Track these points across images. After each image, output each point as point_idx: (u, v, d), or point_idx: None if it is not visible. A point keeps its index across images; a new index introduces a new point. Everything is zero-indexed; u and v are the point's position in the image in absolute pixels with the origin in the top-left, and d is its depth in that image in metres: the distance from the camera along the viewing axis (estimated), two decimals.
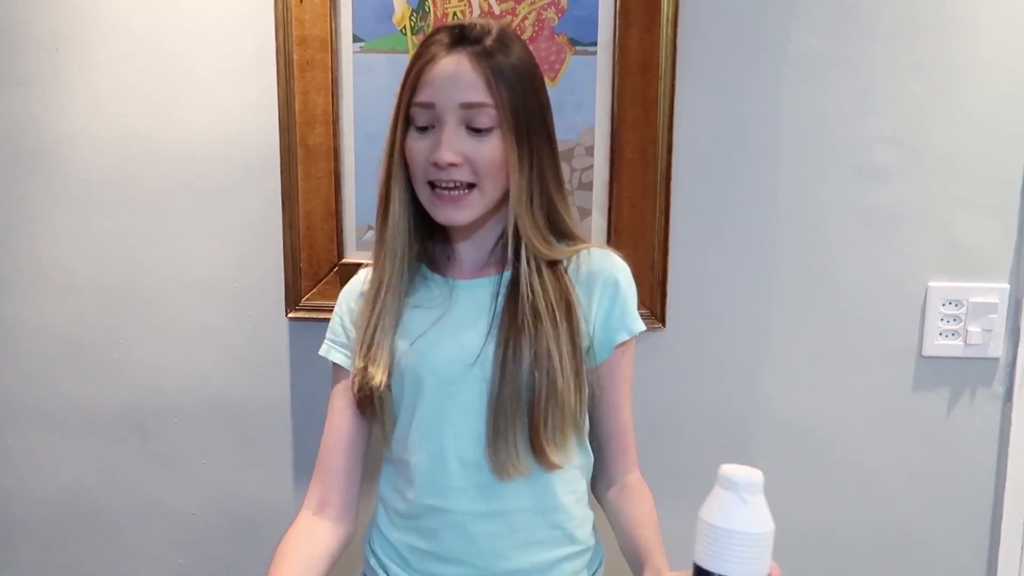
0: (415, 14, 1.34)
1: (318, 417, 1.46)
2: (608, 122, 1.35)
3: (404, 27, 1.34)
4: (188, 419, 1.50)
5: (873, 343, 1.40)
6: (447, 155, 0.92)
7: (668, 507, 1.47)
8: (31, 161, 1.44)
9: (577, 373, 0.96)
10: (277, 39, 1.34)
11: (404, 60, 1.34)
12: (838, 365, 1.41)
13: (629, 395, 1.06)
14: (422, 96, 0.94)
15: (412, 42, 1.34)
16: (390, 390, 0.99)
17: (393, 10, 1.34)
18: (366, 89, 1.36)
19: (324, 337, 1.42)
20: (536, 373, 0.93)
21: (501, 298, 0.97)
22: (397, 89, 0.99)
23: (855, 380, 1.41)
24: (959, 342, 1.39)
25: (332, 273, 1.40)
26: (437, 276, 1.03)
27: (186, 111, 1.40)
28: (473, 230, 1.01)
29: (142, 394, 1.49)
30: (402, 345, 0.99)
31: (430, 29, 1.34)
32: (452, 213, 0.95)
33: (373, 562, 1.06)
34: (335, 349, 1.07)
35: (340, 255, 1.40)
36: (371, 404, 1.00)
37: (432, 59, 0.94)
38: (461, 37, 0.94)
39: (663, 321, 1.37)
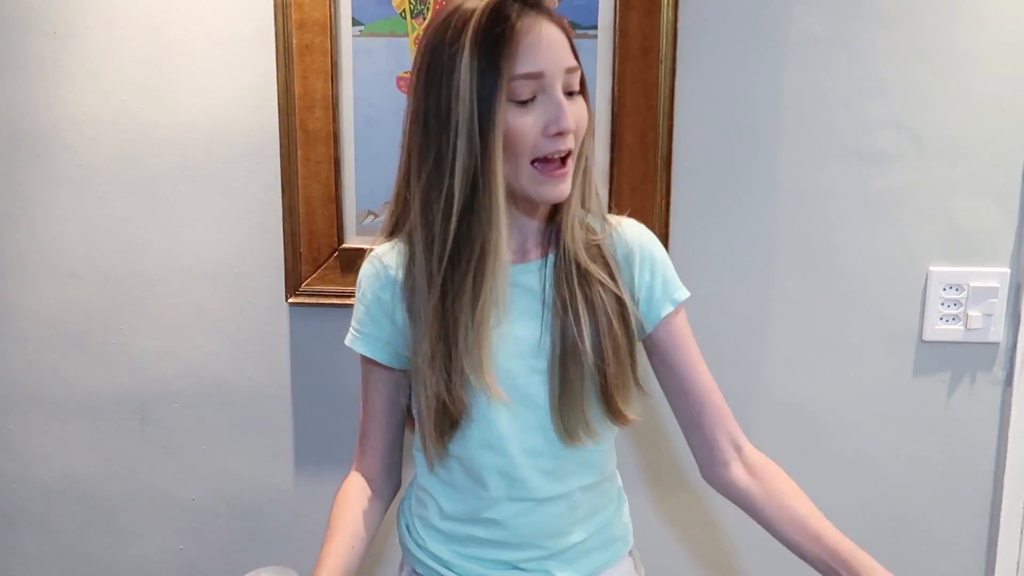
0: None
1: (319, 402, 1.47)
2: (608, 106, 1.35)
3: (404, 10, 1.34)
4: (188, 405, 1.50)
5: (873, 328, 1.40)
6: (571, 121, 0.86)
7: (667, 493, 1.47)
8: (30, 146, 1.44)
9: (631, 342, 0.95)
10: (276, 23, 1.33)
11: (404, 44, 1.34)
12: (838, 350, 1.41)
13: (700, 355, 1.02)
14: (527, 66, 0.85)
15: (411, 25, 1.34)
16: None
17: None
18: (366, 73, 1.36)
19: (324, 322, 1.43)
20: (599, 350, 0.92)
21: (550, 283, 0.95)
22: (464, 59, 0.85)
23: (855, 365, 1.41)
24: (959, 327, 1.39)
25: (332, 258, 1.40)
26: None
27: (185, 95, 1.40)
28: (527, 215, 0.96)
29: (142, 380, 1.50)
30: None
31: (429, 12, 1.33)
32: (564, 187, 0.89)
33: (423, 556, 1.03)
34: (361, 340, 1.01)
35: (340, 240, 1.40)
36: (459, 421, 0.94)
37: (515, 25, 0.85)
38: (535, 2, 0.89)
39: None
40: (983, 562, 1.45)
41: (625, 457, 1.46)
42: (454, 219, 0.87)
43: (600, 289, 0.94)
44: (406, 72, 1.35)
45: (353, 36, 1.35)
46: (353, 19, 1.35)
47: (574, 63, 0.89)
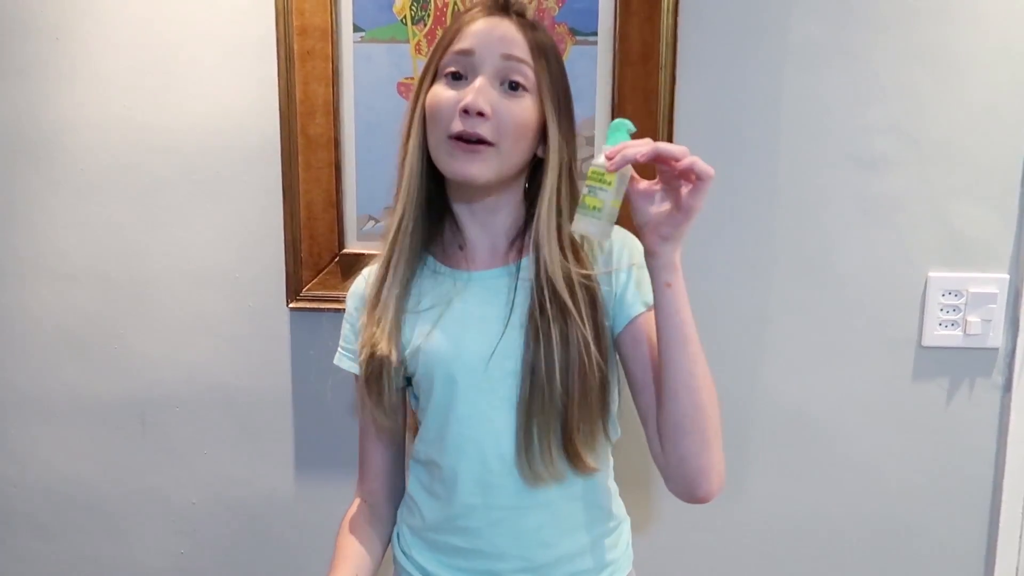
0: (416, 4, 1.34)
1: (319, 407, 1.47)
2: (608, 112, 1.35)
3: (405, 17, 1.34)
4: (189, 409, 1.50)
5: (873, 333, 1.40)
6: (480, 101, 0.87)
7: (666, 497, 1.47)
8: (31, 150, 1.44)
9: (603, 364, 0.93)
10: (278, 28, 1.34)
11: (404, 50, 1.35)
12: (837, 355, 1.41)
13: None
14: (461, 44, 0.91)
15: (412, 32, 1.34)
16: (403, 367, 0.97)
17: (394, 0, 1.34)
18: (367, 79, 1.36)
19: (324, 327, 1.43)
20: (568, 373, 0.90)
21: (520, 288, 0.94)
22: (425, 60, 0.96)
23: (854, 370, 1.41)
24: (958, 332, 1.39)
25: (333, 263, 1.40)
26: (447, 268, 0.99)
27: (187, 101, 1.40)
28: (488, 214, 0.97)
29: (143, 384, 1.50)
30: (416, 338, 0.95)
31: (430, 19, 1.34)
32: (467, 166, 0.89)
33: (408, 565, 1.03)
34: (347, 357, 1.04)
35: (341, 245, 1.40)
36: (379, 380, 0.95)
37: (473, 19, 0.92)
38: (504, 5, 0.93)
39: None
40: (982, 568, 1.45)
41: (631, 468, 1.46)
42: (405, 179, 0.95)
43: (572, 299, 0.91)
44: (407, 78, 1.36)
45: (354, 42, 1.36)
46: (354, 25, 1.35)
47: (518, 54, 0.90)
